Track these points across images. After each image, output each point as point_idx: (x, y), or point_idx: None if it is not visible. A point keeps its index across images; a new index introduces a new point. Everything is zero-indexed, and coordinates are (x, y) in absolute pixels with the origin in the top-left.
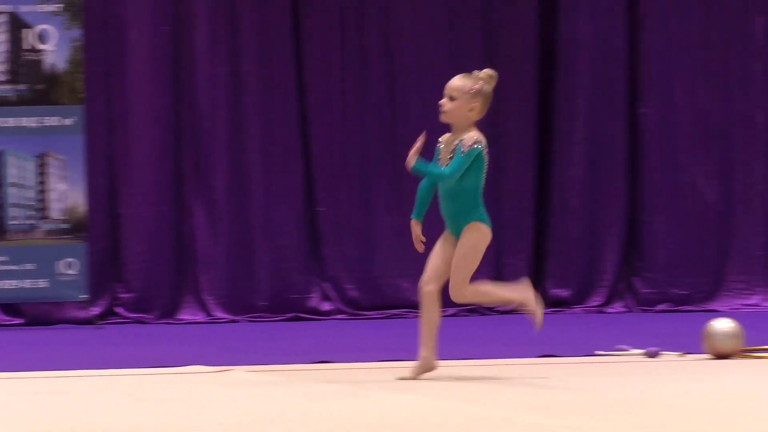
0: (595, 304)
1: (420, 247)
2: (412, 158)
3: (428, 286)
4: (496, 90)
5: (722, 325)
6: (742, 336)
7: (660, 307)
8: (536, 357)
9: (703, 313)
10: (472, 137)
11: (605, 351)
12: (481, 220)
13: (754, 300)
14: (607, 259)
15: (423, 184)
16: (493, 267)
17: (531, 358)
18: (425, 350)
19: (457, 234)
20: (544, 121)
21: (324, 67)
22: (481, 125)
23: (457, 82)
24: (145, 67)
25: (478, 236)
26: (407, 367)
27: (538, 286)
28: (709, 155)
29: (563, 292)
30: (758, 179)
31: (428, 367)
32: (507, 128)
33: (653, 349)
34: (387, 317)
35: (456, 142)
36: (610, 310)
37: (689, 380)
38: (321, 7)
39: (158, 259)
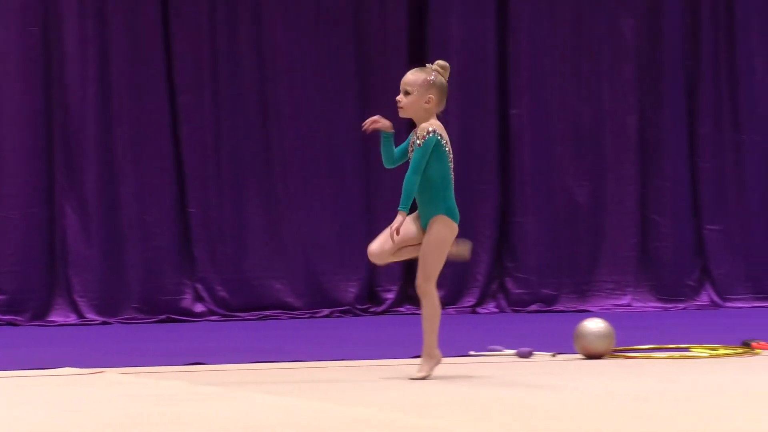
0: (468, 304)
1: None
2: (399, 222)
3: (420, 282)
4: (364, 93)
5: (593, 325)
6: (614, 336)
7: (532, 307)
8: (410, 357)
9: (574, 313)
10: (425, 128)
11: (478, 351)
12: (448, 213)
13: (625, 300)
14: (479, 260)
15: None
16: (366, 268)
17: (404, 358)
18: (430, 345)
19: (425, 225)
20: (414, 124)
21: (195, 67)
22: (350, 125)
23: (411, 76)
24: (14, 68)
25: (442, 230)
26: (282, 368)
27: (410, 287)
28: (580, 157)
29: (440, 292)
30: (628, 181)
31: (436, 362)
32: (377, 132)
33: (525, 349)
34: (259, 318)
35: (416, 133)
36: (482, 310)
37: (561, 380)
38: (191, 7)
39: (30, 260)
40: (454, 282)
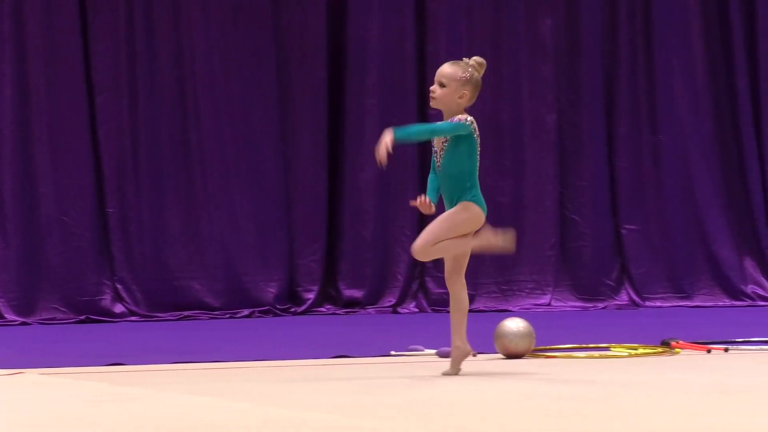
0: (389, 304)
1: (426, 209)
2: (387, 140)
3: (451, 278)
4: (283, 92)
5: (514, 325)
6: (534, 336)
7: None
8: (330, 358)
9: (495, 313)
10: (461, 117)
11: (399, 351)
12: (475, 202)
13: (545, 300)
14: (399, 260)
15: (431, 177)
16: (286, 269)
17: (325, 358)
18: (458, 340)
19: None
20: (335, 123)
21: (113, 67)
22: (269, 125)
23: (448, 69)
24: None
25: (466, 214)
26: (202, 369)
27: (331, 287)
28: (500, 156)
29: (356, 293)
30: (548, 179)
31: (464, 356)
32: (298, 130)
33: (446, 349)
34: (179, 319)
35: None
36: (403, 310)
37: (482, 379)
38: (109, 7)
39: None
40: (375, 282)
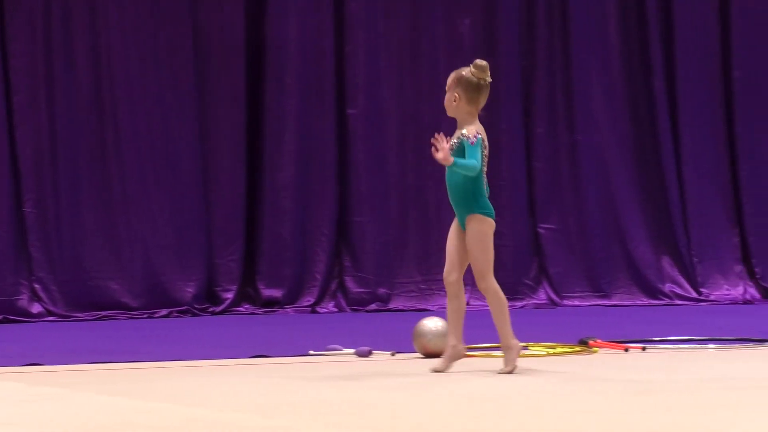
0: (307, 303)
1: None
2: (447, 154)
3: (450, 276)
4: (202, 93)
5: (432, 324)
6: None
7: (371, 306)
8: (249, 357)
9: (413, 312)
10: (472, 130)
11: (318, 351)
12: (482, 212)
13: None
14: (318, 260)
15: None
16: (205, 268)
17: (243, 358)
18: (453, 339)
19: (462, 224)
20: (253, 123)
21: (30, 67)
22: (188, 124)
23: (450, 76)
24: None
25: (480, 228)
26: (120, 369)
27: (250, 286)
28: (419, 156)
29: (275, 293)
30: None
31: (458, 355)
32: (216, 130)
33: (365, 348)
34: (97, 319)
35: (458, 135)
36: (321, 309)
37: (401, 379)
38: (26, 6)
39: None
40: (294, 281)
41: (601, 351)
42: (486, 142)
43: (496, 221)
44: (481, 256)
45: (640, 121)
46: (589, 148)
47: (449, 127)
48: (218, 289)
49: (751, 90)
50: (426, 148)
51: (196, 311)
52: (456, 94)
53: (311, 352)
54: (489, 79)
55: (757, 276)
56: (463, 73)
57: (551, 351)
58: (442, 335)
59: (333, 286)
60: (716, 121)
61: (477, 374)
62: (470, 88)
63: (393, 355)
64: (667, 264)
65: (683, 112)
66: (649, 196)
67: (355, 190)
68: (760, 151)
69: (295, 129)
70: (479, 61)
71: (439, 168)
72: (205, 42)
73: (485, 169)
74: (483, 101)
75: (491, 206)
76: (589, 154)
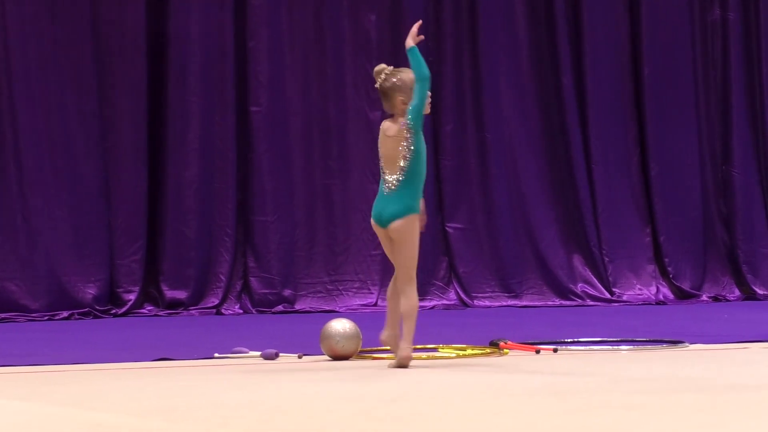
0: (212, 305)
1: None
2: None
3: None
4: (102, 88)
5: (340, 326)
6: (360, 337)
7: (277, 308)
8: (152, 360)
9: (320, 313)
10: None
11: (223, 354)
12: (410, 212)
13: (371, 299)
14: (221, 260)
15: None
16: (106, 269)
17: (146, 361)
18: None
19: (392, 217)
20: (156, 120)
21: None
22: (88, 120)
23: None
24: None
25: (406, 228)
26: (20, 372)
27: (153, 287)
28: (325, 154)
29: (179, 294)
30: (374, 178)
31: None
32: (117, 127)
33: (271, 351)
34: None
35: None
36: (226, 311)
37: (308, 382)
38: None
39: None
40: (197, 282)
41: (512, 353)
42: (379, 143)
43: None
44: (407, 259)
45: (549, 119)
46: (498, 145)
47: (356, 124)
48: (120, 290)
49: (661, 87)
50: (332, 146)
51: (97, 313)
52: (401, 99)
53: (216, 354)
54: (378, 83)
55: (670, 275)
56: (395, 80)
57: (461, 353)
58: (350, 337)
59: (238, 287)
60: (626, 119)
61: (385, 377)
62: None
63: (300, 357)
64: (578, 263)
65: (593, 110)
66: (560, 194)
67: (259, 189)
68: (671, 149)
69: (199, 127)
70: (377, 67)
71: (345, 167)
72: (105, 37)
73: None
74: (386, 104)
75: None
76: (499, 152)
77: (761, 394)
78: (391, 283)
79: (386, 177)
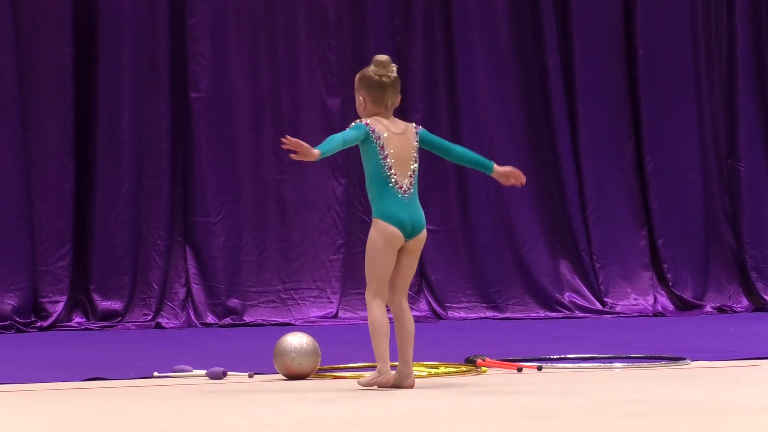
0: (150, 317)
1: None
2: (305, 149)
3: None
4: (24, 70)
5: (296, 341)
6: (319, 353)
7: (225, 320)
8: (83, 380)
9: (274, 326)
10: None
11: (163, 373)
12: (380, 215)
13: (331, 310)
14: (154, 266)
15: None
16: (28, 276)
17: (76, 381)
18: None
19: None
20: (84, 108)
21: None
22: (6, 107)
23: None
24: None
25: (372, 235)
26: None
27: (83, 296)
28: (277, 146)
29: (113, 304)
30: (333, 174)
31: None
32: (40, 115)
33: (217, 369)
34: None
35: None
36: (167, 324)
37: (259, 404)
38: None
39: None
40: (130, 292)
41: (491, 371)
42: (382, 135)
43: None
44: (367, 268)
45: (533, 107)
46: (475, 136)
47: (311, 111)
48: (45, 300)
49: (657, 70)
50: (284, 135)
51: (19, 326)
52: (361, 98)
53: (156, 374)
54: (392, 75)
55: (669, 283)
56: (366, 72)
57: (433, 371)
58: (308, 354)
59: (179, 296)
60: (619, 107)
61: (347, 398)
62: (373, 87)
63: (250, 376)
64: (566, 270)
65: (581, 96)
66: (544, 192)
67: (200, 186)
68: (669, 140)
69: (131, 115)
70: (378, 57)
71: (298, 161)
72: (26, 15)
73: (389, 164)
74: (392, 99)
75: (397, 211)
76: (475, 144)
77: None
78: (396, 309)
79: (397, 179)
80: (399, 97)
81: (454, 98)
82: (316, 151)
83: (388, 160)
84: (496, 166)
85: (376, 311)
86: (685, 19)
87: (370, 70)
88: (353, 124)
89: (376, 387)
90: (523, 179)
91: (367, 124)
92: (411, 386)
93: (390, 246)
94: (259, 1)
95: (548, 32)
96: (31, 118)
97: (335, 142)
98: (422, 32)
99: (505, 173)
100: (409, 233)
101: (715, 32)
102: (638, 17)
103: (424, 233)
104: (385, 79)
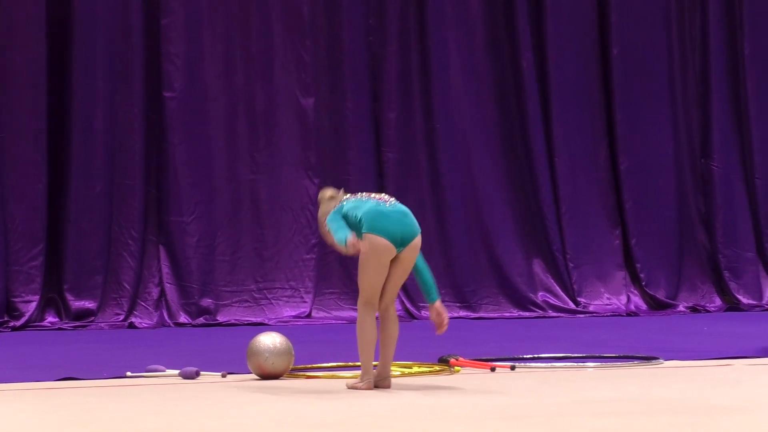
0: (123, 317)
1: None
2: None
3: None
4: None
5: (269, 340)
6: (292, 353)
7: (199, 320)
8: (56, 380)
9: (247, 326)
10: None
11: (136, 372)
12: (369, 230)
13: (304, 309)
14: (126, 267)
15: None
16: (2, 275)
17: (49, 381)
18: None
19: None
20: (58, 108)
21: None
22: None
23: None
24: None
25: (364, 246)
26: None
27: (56, 296)
28: (252, 145)
29: (86, 303)
30: (307, 172)
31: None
32: (14, 116)
33: (190, 369)
34: None
35: None
36: (139, 324)
37: (232, 404)
38: None
39: None
40: (102, 291)
41: (464, 371)
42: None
43: None
44: (360, 280)
45: (506, 106)
46: (449, 136)
47: (285, 111)
48: (17, 300)
49: (632, 69)
50: (259, 137)
51: None
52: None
53: (129, 374)
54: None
55: (643, 283)
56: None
57: (407, 371)
58: (281, 353)
59: (153, 296)
60: (593, 107)
61: (321, 398)
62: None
63: (224, 376)
64: (539, 270)
65: (555, 96)
66: (518, 192)
67: (174, 186)
68: (643, 140)
69: (105, 115)
70: (322, 192)
71: (274, 160)
72: (1, 15)
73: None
74: (339, 195)
75: (385, 221)
76: (449, 144)
77: (745, 418)
78: (382, 313)
79: (376, 195)
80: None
81: (429, 98)
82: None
83: (357, 195)
84: (437, 303)
85: (365, 320)
86: (659, 20)
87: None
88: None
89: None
90: (443, 329)
91: (330, 219)
92: (388, 387)
93: (381, 257)
94: (234, 1)
95: (522, 32)
96: (4, 118)
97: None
98: (397, 32)
99: (438, 312)
100: (400, 243)
101: (689, 33)
102: (613, 18)
103: (417, 241)
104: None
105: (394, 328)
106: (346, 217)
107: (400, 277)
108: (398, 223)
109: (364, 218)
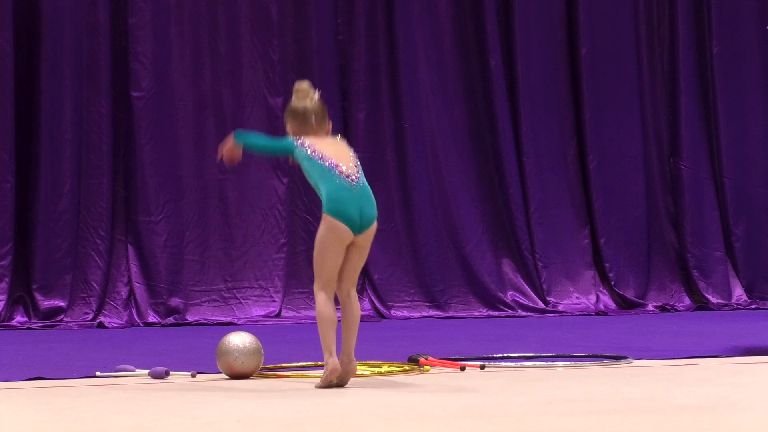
0: (91, 316)
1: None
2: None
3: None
4: None
5: (239, 340)
6: (262, 352)
7: (168, 320)
8: (24, 380)
9: (216, 326)
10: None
11: (106, 372)
12: (327, 210)
13: (273, 309)
14: (94, 266)
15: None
16: None
17: (18, 381)
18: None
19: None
20: (26, 107)
21: None
22: None
23: None
24: None
25: (321, 229)
26: None
27: (24, 296)
28: (218, 145)
29: (55, 303)
30: (275, 173)
31: (338, 371)
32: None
33: (160, 368)
34: None
35: None
36: (109, 323)
37: (202, 404)
38: None
39: None
40: (70, 291)
41: (434, 370)
42: (315, 146)
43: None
44: (316, 261)
45: (475, 106)
46: (418, 135)
47: (253, 111)
48: None
49: (600, 68)
50: (227, 134)
51: None
52: (288, 128)
53: (98, 373)
54: (307, 105)
55: (612, 282)
56: (290, 104)
57: (376, 371)
58: (251, 353)
59: (122, 295)
60: (562, 106)
61: (290, 397)
62: (296, 116)
63: (193, 376)
64: (508, 269)
65: (524, 95)
66: (487, 191)
67: (142, 185)
68: (611, 139)
69: (72, 114)
70: (297, 84)
71: (241, 161)
72: None
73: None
74: (319, 125)
75: (344, 204)
76: (418, 143)
77: (714, 417)
78: (343, 297)
79: (342, 169)
80: (328, 122)
81: (397, 97)
82: (231, 139)
83: (326, 158)
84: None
85: (322, 303)
86: (627, 19)
87: (292, 100)
88: (288, 140)
89: (331, 384)
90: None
91: (295, 138)
92: (353, 371)
93: (338, 242)
94: (202, 3)
95: (491, 31)
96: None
97: (259, 136)
98: (365, 31)
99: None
100: (359, 228)
101: (657, 31)
102: (581, 16)
103: (373, 227)
104: (308, 103)
105: (357, 311)
106: (302, 166)
107: (358, 261)
108: (359, 208)
109: (325, 195)
